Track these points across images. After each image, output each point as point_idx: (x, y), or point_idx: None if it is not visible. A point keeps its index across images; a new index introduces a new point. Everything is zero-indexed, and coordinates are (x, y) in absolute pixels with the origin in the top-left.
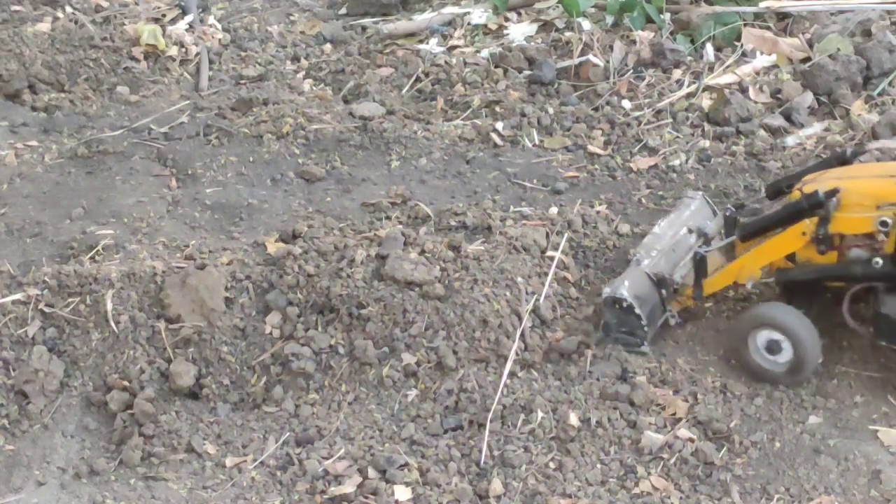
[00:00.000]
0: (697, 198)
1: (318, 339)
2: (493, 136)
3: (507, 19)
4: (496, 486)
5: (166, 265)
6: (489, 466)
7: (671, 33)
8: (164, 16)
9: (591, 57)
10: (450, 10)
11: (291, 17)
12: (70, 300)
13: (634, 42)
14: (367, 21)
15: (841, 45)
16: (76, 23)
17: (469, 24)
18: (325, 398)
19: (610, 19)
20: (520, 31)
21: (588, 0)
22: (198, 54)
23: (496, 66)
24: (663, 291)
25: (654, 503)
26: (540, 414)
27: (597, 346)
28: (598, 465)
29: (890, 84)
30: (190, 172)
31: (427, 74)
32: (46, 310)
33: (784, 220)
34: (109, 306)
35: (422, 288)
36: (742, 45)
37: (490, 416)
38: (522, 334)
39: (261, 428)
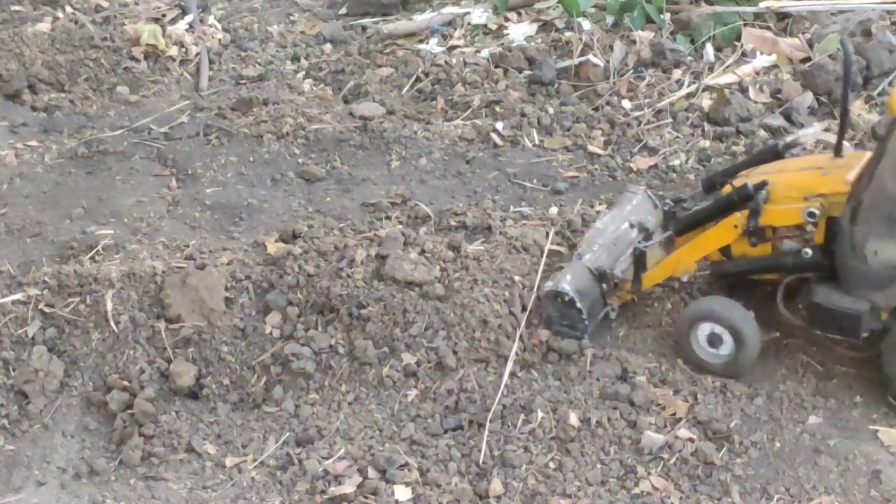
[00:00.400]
0: (639, 192)
1: (318, 339)
2: (493, 136)
3: (507, 19)
4: (496, 486)
5: (166, 265)
6: (489, 466)
7: (671, 33)
8: (164, 16)
9: (591, 57)
10: (450, 10)
11: (291, 17)
12: (70, 300)
13: (634, 42)
14: (367, 21)
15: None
16: (76, 23)
17: (469, 24)
18: (325, 398)
19: (610, 19)
20: (520, 31)
21: (588, 0)
22: (198, 54)
23: (496, 66)
24: (604, 285)
25: (654, 503)
26: (540, 414)
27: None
28: (598, 465)
29: (890, 84)
30: (190, 172)
31: (427, 74)
32: (46, 310)
33: (716, 213)
34: (109, 306)
35: (422, 288)
36: (742, 45)
37: (490, 416)
38: (521, 335)
39: (261, 428)
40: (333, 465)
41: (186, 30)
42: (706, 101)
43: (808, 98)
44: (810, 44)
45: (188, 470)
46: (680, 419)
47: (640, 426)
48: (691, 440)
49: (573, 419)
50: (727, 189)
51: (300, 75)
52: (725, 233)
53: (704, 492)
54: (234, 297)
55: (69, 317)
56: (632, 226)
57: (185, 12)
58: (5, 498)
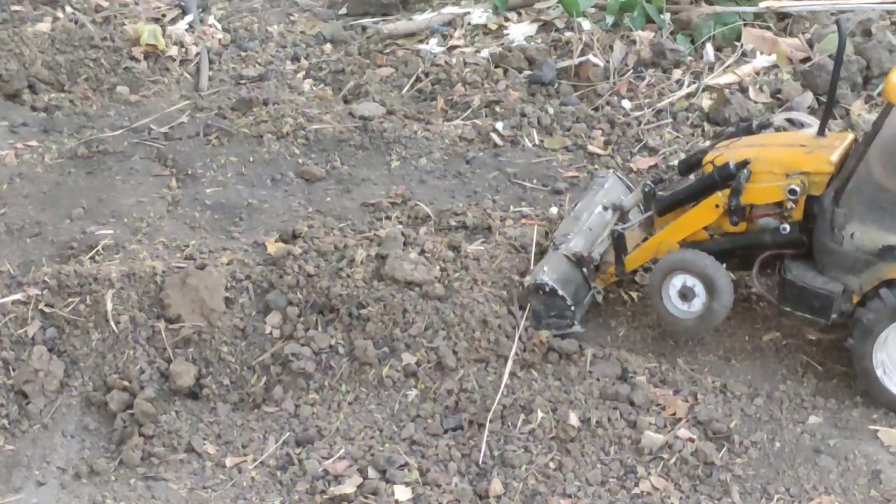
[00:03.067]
0: (609, 176)
1: (318, 339)
2: (493, 136)
3: (507, 19)
4: (496, 486)
5: (166, 265)
6: (489, 466)
7: (671, 33)
8: (164, 16)
9: (591, 57)
10: (450, 10)
11: (291, 17)
12: (70, 300)
13: (634, 42)
14: (367, 21)
15: None
16: (76, 23)
17: (469, 24)
18: (325, 398)
19: (610, 19)
20: (520, 31)
21: (588, 0)
22: (198, 54)
23: (496, 66)
24: (584, 270)
25: (654, 503)
26: (540, 414)
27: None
28: (598, 465)
29: None
30: (190, 172)
31: (427, 74)
32: (46, 310)
33: (697, 193)
34: (109, 306)
35: (422, 288)
36: (742, 45)
37: (490, 416)
38: (521, 335)
39: (261, 428)
40: (333, 465)
41: (186, 30)
42: (706, 101)
43: (808, 98)
44: (810, 44)
45: (188, 470)
46: (680, 419)
47: (640, 426)
48: (691, 440)
49: (573, 419)
50: (708, 168)
51: (300, 75)
52: (707, 212)
53: (704, 492)
54: (234, 297)
55: (69, 317)
56: (605, 209)
57: (185, 12)
58: (5, 498)
